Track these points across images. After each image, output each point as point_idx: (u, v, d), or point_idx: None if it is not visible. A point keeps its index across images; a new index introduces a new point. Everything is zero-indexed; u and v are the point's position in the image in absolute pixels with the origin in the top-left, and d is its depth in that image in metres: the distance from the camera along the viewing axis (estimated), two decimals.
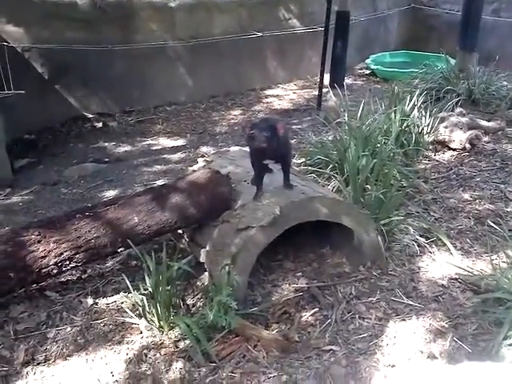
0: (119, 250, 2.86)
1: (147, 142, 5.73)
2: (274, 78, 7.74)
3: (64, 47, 5.60)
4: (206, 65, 6.88)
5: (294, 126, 5.72)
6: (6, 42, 5.15)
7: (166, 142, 5.72)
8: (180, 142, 5.69)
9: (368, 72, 8.19)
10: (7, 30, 5.40)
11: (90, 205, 3.34)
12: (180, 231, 3.24)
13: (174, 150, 5.42)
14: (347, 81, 6.74)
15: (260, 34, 6.99)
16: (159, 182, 4.26)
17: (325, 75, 6.12)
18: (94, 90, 6.22)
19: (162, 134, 5.95)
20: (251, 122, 2.85)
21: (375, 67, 7.96)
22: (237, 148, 3.73)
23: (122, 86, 6.38)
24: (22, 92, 4.91)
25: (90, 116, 6.23)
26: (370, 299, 2.83)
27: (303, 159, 4.30)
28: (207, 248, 2.86)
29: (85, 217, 2.76)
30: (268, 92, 7.40)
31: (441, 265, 3.10)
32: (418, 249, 3.21)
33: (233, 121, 6.28)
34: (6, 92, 4.89)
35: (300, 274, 3.05)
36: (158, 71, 6.57)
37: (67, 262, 2.69)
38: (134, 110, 6.52)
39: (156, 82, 6.60)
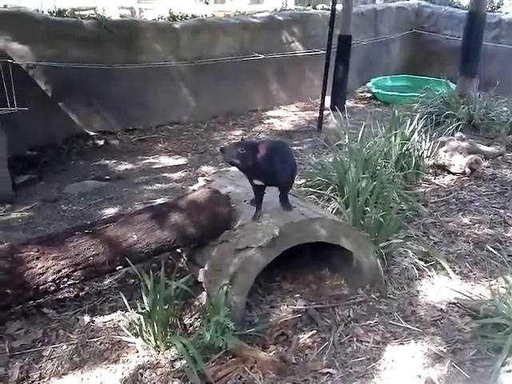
0: (117, 268, 2.85)
1: (148, 161, 5.75)
2: (275, 99, 7.81)
3: (68, 65, 5.67)
4: (208, 85, 6.95)
5: (294, 147, 5.75)
6: (11, 60, 5.20)
7: (166, 160, 5.75)
8: (181, 161, 5.71)
9: (369, 95, 8.26)
10: (12, 47, 5.45)
11: (89, 222, 3.33)
12: (179, 250, 3.23)
13: (175, 168, 5.44)
14: (348, 103, 6.79)
15: (262, 55, 7.07)
16: (159, 201, 4.26)
17: (326, 98, 6.17)
18: (96, 108, 6.28)
19: (163, 153, 5.98)
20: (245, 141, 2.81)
21: (376, 91, 8.03)
22: (237, 168, 3.73)
23: (125, 105, 6.44)
24: (26, 109, 4.96)
25: (92, 134, 6.28)
26: (368, 322, 2.81)
27: (303, 180, 4.31)
28: (206, 268, 2.85)
29: (84, 234, 2.76)
30: (269, 113, 7.46)
31: (440, 289, 3.09)
32: (416, 272, 3.20)
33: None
34: (10, 109, 4.93)
35: (298, 295, 3.04)
36: (161, 91, 6.63)
37: (65, 279, 2.68)
38: (136, 129, 6.57)
39: (158, 102, 6.65)
